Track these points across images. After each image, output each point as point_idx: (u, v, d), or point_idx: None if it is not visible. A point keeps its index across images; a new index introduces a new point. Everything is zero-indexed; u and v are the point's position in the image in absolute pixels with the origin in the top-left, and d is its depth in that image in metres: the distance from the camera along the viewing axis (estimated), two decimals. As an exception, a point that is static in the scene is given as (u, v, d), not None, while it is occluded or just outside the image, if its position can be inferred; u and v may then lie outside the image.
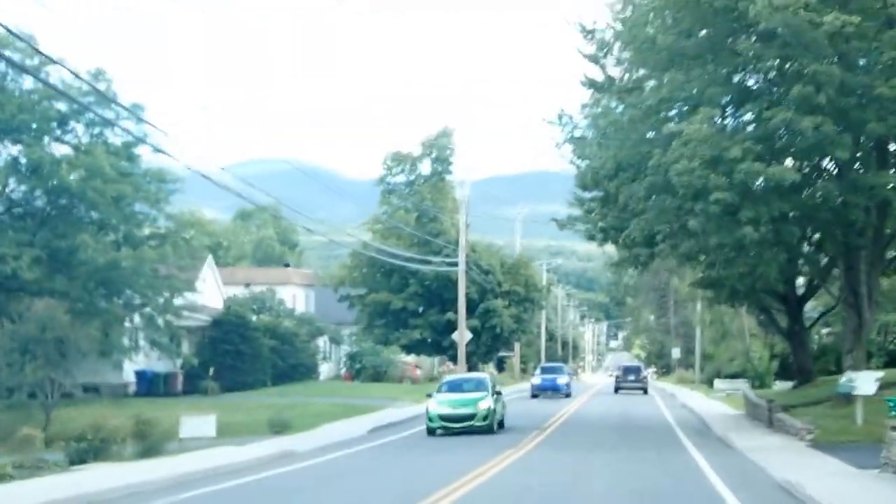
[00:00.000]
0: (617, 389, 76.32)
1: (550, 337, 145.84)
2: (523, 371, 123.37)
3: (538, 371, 72.09)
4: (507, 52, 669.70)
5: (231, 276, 75.24)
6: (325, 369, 71.55)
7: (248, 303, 66.13)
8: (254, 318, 62.66)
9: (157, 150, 38.92)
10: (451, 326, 74.92)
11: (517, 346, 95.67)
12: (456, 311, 77.05)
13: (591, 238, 41.63)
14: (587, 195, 41.68)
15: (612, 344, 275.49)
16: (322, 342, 72.61)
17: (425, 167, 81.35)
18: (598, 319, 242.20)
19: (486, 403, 35.08)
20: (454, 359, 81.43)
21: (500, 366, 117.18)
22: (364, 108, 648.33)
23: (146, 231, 50.57)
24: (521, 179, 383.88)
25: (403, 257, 71.15)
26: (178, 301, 52.03)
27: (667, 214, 32.24)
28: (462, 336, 66.85)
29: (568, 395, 65.22)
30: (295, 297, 78.66)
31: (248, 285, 71.86)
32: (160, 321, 50.32)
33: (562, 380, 67.69)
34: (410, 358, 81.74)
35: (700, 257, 37.05)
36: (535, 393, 66.27)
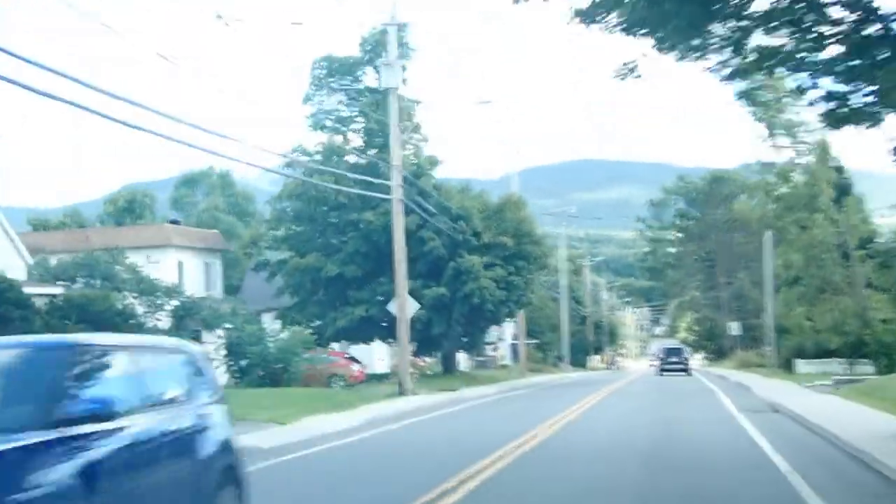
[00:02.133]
0: (661, 371, 72.61)
1: (582, 321, 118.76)
2: (542, 360, 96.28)
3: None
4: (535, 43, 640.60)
5: (86, 242, 49.01)
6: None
7: (69, 269, 39.98)
8: (46, 291, 36.43)
9: None
10: (412, 297, 48.95)
11: (520, 318, 68.58)
12: (418, 276, 50.72)
13: (631, 28, 15.37)
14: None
15: (657, 330, 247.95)
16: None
17: (369, 79, 54.72)
18: (639, 306, 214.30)
19: None
20: (425, 347, 54.77)
21: (517, 355, 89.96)
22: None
23: None
24: (561, 169, 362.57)
25: (347, 181, 44.98)
26: None
27: None
28: (403, 306, 40.25)
29: None
30: (182, 266, 52.16)
31: (114, 249, 44.45)
32: None
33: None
34: (364, 348, 55.25)
35: None
36: None
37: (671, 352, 77.60)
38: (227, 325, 41.08)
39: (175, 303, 40.97)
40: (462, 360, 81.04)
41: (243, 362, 40.46)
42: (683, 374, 68.81)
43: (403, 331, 39.88)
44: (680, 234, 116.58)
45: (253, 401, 32.43)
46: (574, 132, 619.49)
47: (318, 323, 52.07)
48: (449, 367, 56.03)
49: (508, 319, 60.01)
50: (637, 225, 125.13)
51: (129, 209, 70.10)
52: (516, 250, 52.17)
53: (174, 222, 59.61)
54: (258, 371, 39.78)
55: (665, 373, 70.56)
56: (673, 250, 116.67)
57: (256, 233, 52.90)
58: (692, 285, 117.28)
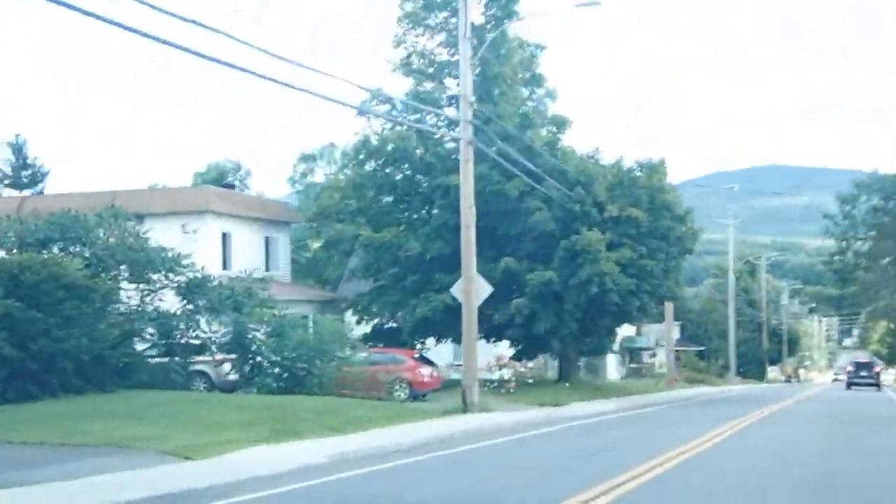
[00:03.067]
0: (849, 385, 70.98)
1: (757, 328, 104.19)
2: (706, 369, 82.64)
3: None
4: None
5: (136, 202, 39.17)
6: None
7: (39, 232, 30.11)
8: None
9: None
10: (514, 282, 37.92)
11: (667, 317, 55.72)
12: (523, 257, 39.23)
13: None
14: None
15: (846, 342, 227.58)
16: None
17: (475, 14, 43.06)
18: (827, 314, 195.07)
19: None
20: (530, 348, 42.95)
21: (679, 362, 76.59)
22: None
23: None
24: (748, 174, 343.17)
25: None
26: None
27: None
28: (470, 287, 28.72)
29: None
30: (229, 238, 41.84)
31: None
32: None
33: None
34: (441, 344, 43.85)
35: None
36: None
37: (861, 366, 74.90)
38: (242, 311, 30.28)
39: (180, 279, 30.55)
40: (611, 366, 68.74)
41: (258, 359, 29.71)
42: (874, 388, 67.55)
43: (469, 323, 28.44)
44: (872, 233, 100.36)
45: (213, 415, 21.74)
46: (762, 137, 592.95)
47: (399, 313, 41.31)
48: (567, 373, 43.86)
49: (639, 315, 46.78)
50: (824, 222, 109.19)
51: (218, 183, 60.54)
52: (651, 227, 39.67)
53: (228, 186, 49.48)
54: (276, 371, 28.93)
55: (853, 387, 68.64)
56: (865, 248, 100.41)
57: (327, 202, 42.04)
58: (887, 290, 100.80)
